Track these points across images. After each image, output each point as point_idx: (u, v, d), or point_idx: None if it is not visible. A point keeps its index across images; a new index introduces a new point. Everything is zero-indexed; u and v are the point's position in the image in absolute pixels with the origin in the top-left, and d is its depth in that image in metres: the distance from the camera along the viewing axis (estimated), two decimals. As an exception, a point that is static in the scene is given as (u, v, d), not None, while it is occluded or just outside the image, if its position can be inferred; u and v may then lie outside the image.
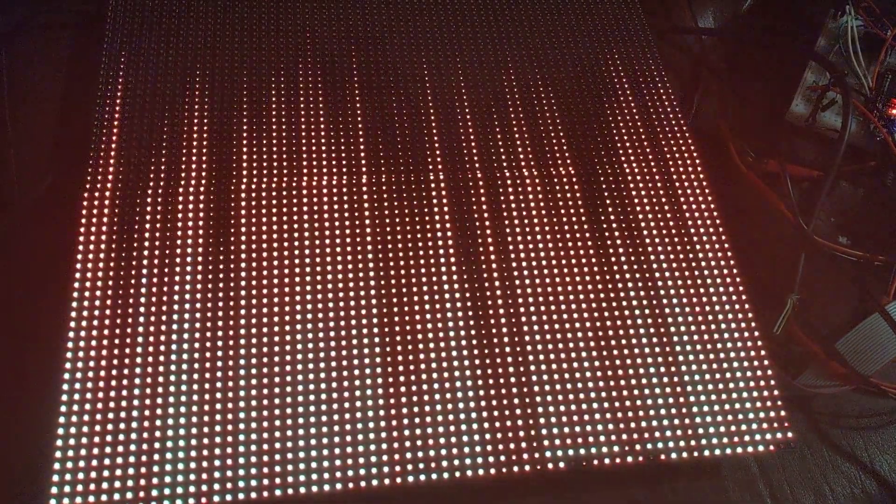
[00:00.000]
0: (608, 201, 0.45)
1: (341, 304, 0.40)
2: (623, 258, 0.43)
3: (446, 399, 0.38)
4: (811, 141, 0.54)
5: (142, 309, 0.39)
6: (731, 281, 0.43)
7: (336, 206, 0.43)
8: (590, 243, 0.44)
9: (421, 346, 0.40)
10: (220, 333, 0.39)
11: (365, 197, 0.44)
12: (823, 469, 0.42)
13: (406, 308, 0.41)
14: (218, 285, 0.41)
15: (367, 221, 0.43)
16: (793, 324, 0.43)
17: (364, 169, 0.45)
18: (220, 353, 0.39)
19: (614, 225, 0.45)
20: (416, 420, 0.38)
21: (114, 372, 0.38)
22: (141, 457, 0.36)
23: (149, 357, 0.38)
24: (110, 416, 0.37)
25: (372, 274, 0.41)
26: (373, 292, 0.41)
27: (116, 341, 0.38)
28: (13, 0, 0.52)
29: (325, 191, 0.44)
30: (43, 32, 0.51)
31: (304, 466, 0.36)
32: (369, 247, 0.42)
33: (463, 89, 0.49)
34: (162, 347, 0.39)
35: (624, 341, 0.41)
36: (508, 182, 0.45)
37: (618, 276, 0.43)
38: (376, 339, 0.40)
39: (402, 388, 0.38)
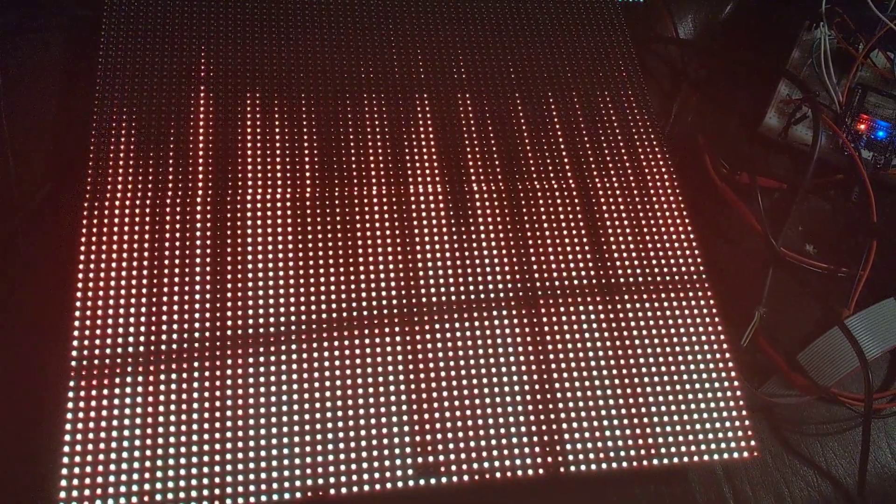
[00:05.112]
0: (577, 209, 0.47)
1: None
2: (591, 265, 0.45)
3: (416, 402, 0.41)
4: (784, 153, 0.56)
5: (143, 319, 0.41)
6: (703, 294, 0.45)
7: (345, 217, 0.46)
8: (560, 254, 0.46)
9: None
10: (218, 333, 0.41)
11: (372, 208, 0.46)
12: (784, 473, 0.45)
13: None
14: (217, 288, 0.42)
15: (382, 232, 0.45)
16: (759, 336, 0.46)
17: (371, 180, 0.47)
18: (218, 353, 0.40)
19: (584, 232, 0.47)
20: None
21: (117, 380, 0.39)
22: (145, 462, 0.38)
23: (150, 366, 0.40)
24: (115, 422, 0.38)
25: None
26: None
27: (119, 350, 0.40)
28: (8, 3, 0.52)
29: (337, 201, 0.46)
30: (39, 36, 0.52)
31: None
32: (381, 257, 0.44)
33: (435, 100, 0.51)
34: (163, 357, 0.40)
35: (602, 353, 0.43)
36: (483, 195, 0.47)
37: (585, 286, 0.45)
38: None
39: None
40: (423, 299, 0.43)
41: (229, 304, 0.42)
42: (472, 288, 0.44)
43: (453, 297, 0.44)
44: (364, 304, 0.43)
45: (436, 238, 0.45)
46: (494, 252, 0.45)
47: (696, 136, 0.55)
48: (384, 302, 0.43)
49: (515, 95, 0.51)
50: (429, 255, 0.45)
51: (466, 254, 0.45)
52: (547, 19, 0.55)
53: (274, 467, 0.38)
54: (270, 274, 0.43)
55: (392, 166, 0.47)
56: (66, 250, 0.43)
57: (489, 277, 0.44)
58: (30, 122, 0.49)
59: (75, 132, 0.47)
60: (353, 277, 0.43)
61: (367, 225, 0.45)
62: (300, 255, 0.44)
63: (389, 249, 0.45)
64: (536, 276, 0.45)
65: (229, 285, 0.43)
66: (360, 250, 0.44)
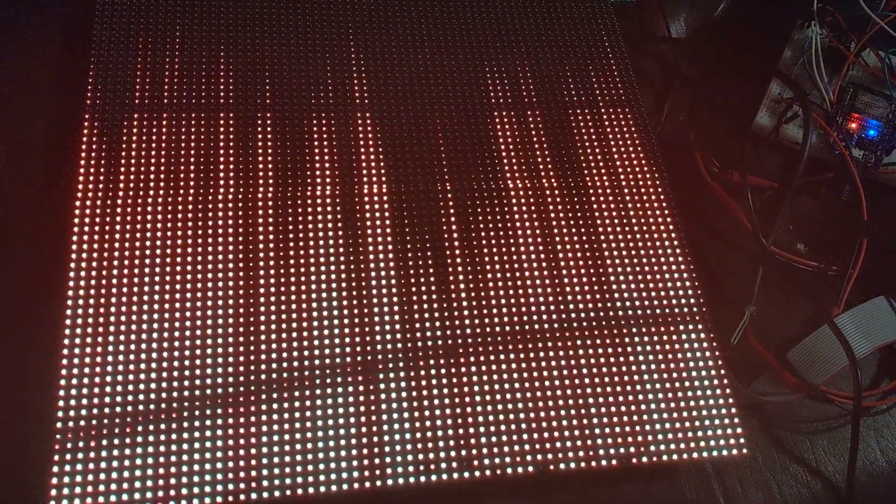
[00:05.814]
0: (568, 207, 0.48)
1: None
2: (581, 264, 0.46)
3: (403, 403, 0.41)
4: (775, 152, 0.56)
5: (134, 316, 0.41)
6: (694, 293, 0.45)
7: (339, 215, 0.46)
8: (550, 254, 0.46)
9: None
10: (209, 331, 0.41)
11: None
12: (773, 470, 0.45)
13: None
14: (206, 286, 0.42)
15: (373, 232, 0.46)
16: (749, 334, 0.46)
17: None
18: (210, 352, 0.41)
19: (574, 230, 0.47)
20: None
21: (108, 378, 0.39)
22: (136, 460, 0.38)
23: (141, 364, 0.40)
24: (105, 421, 0.38)
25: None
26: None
27: (111, 348, 0.40)
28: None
29: (329, 199, 0.46)
30: (31, 34, 0.52)
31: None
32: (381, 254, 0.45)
33: (429, 94, 0.51)
34: (154, 354, 0.40)
35: (591, 350, 0.43)
36: (465, 194, 0.47)
37: (576, 283, 0.45)
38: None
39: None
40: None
41: (220, 300, 0.42)
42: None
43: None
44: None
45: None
46: (488, 262, 0.46)
47: (688, 134, 0.55)
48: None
49: (508, 95, 0.52)
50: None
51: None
52: (537, 18, 0.55)
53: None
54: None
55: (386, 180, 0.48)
56: (57, 245, 0.43)
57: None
58: (23, 117, 0.49)
59: (68, 131, 0.47)
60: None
61: (370, 247, 0.45)
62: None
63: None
64: (529, 281, 0.45)
65: (220, 289, 0.43)
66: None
